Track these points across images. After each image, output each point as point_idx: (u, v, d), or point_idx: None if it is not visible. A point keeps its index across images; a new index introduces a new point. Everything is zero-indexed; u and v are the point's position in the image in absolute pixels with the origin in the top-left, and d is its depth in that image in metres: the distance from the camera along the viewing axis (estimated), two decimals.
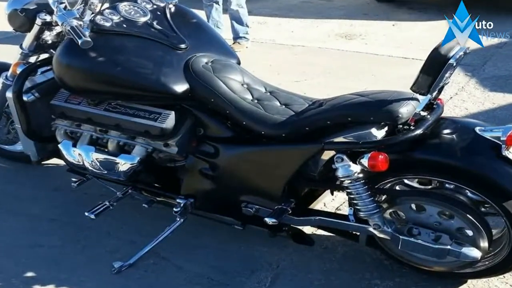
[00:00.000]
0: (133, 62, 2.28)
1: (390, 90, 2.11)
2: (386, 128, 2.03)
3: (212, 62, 2.38)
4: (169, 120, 2.26)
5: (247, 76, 2.42)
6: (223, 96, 2.24)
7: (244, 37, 5.57)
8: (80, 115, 2.44)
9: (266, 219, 2.18)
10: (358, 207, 2.08)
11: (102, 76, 2.29)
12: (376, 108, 1.99)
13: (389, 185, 2.13)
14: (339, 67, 4.95)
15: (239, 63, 2.55)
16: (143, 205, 2.57)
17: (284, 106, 2.26)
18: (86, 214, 2.47)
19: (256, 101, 2.28)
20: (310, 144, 2.10)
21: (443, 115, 2.11)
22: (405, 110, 1.95)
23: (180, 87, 2.25)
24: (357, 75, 4.69)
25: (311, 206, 2.38)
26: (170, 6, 2.55)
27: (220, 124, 2.30)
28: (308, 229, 2.52)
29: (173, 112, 2.27)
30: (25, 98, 2.58)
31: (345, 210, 2.36)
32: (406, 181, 2.15)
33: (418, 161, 2.00)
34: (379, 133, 2.00)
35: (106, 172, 2.47)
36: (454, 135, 2.00)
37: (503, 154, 1.89)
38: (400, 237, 2.08)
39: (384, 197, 2.15)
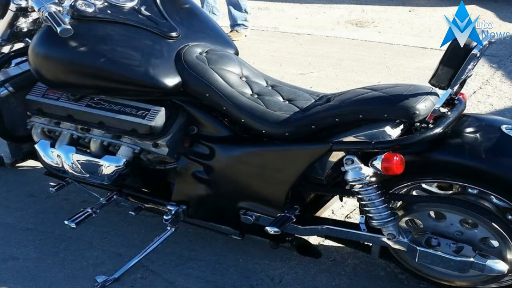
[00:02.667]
0: (118, 52, 2.28)
1: (406, 83, 2.11)
2: (401, 126, 2.03)
3: (206, 52, 2.38)
4: (159, 118, 2.26)
5: (246, 68, 2.42)
6: (219, 90, 2.24)
7: (243, 25, 5.58)
8: (59, 111, 2.44)
9: (268, 228, 2.18)
10: (370, 215, 2.08)
11: (83, 68, 2.29)
12: (391, 104, 1.99)
13: (405, 190, 2.13)
14: (349, 58, 4.96)
15: (237, 53, 2.55)
16: (130, 212, 2.56)
17: (287, 102, 2.26)
18: (66, 222, 2.46)
19: (256, 96, 2.29)
20: (316, 144, 2.11)
21: (465, 111, 2.11)
22: (423, 106, 1.95)
23: (171, 80, 2.25)
24: (369, 67, 4.70)
25: (317, 214, 2.38)
26: None
27: (215, 122, 2.31)
28: (314, 240, 2.53)
29: (163, 109, 2.27)
30: None
31: (356, 218, 2.38)
32: (424, 185, 2.15)
33: (437, 164, 2.00)
34: (393, 132, 2.00)
35: (88, 175, 2.47)
36: (477, 134, 1.99)
37: None
38: (418, 248, 2.07)
39: (399, 203, 2.16)
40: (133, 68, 2.25)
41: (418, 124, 1.99)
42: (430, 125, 1.97)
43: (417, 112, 1.94)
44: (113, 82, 2.30)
